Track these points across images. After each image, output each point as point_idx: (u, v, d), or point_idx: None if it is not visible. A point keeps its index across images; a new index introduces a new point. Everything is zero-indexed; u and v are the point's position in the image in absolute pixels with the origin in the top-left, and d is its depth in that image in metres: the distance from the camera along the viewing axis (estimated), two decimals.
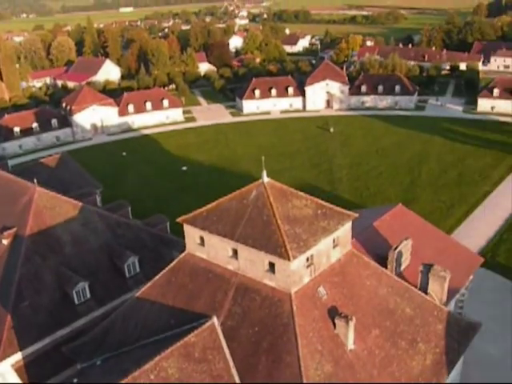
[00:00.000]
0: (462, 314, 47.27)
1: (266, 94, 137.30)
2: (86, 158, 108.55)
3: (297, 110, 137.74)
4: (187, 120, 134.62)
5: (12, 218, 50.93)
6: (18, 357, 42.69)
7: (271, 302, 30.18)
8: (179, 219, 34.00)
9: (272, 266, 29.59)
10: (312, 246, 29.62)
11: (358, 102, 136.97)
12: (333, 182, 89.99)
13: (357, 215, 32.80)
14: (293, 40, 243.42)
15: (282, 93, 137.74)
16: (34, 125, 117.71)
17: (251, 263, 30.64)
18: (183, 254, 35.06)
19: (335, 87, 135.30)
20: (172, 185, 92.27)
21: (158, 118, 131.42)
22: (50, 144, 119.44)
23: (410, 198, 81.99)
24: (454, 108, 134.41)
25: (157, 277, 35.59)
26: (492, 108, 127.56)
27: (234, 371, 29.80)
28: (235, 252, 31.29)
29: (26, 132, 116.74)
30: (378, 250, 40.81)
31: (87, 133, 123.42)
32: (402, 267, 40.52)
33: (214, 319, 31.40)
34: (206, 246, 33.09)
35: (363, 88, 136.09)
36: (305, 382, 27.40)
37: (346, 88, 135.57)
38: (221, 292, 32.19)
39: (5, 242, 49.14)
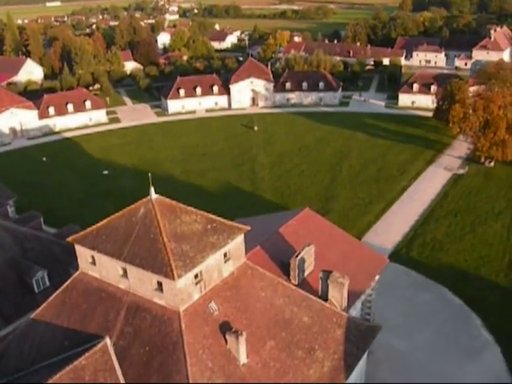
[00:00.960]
0: (371, 315, 48.50)
1: (191, 93, 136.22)
2: (3, 165, 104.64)
3: (222, 109, 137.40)
4: (111, 121, 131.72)
5: None
6: None
7: (161, 320, 29.80)
8: (69, 239, 33.06)
9: (160, 284, 29.20)
10: (199, 263, 29.41)
11: (283, 99, 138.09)
12: (255, 181, 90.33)
13: (248, 228, 32.77)
14: (221, 36, 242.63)
15: (207, 91, 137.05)
16: None
17: (140, 282, 30.15)
18: (77, 273, 34.11)
19: (260, 85, 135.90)
20: (93, 190, 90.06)
21: (80, 119, 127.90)
22: None
23: (330, 195, 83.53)
24: (376, 103, 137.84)
25: (51, 297, 34.49)
26: (412, 103, 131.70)
27: None
28: (125, 271, 30.68)
29: None
30: (283, 257, 41.04)
31: (5, 137, 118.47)
32: (306, 273, 40.95)
33: (107, 340, 30.67)
34: (97, 265, 32.30)
35: (288, 85, 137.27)
36: None
37: (271, 85, 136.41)
38: (113, 311, 31.53)
39: None
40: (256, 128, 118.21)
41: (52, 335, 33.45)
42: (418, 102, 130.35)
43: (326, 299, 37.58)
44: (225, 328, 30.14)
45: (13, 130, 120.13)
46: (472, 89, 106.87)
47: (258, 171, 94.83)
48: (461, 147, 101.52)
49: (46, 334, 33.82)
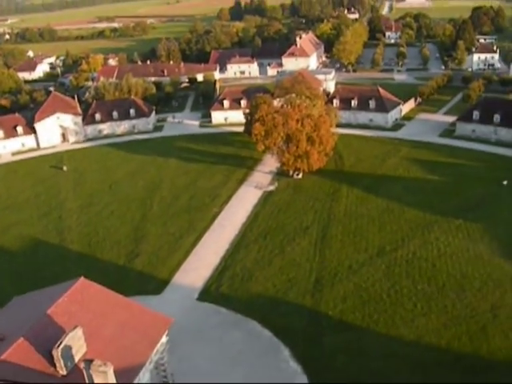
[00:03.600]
0: (168, 376, 46.45)
1: None
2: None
3: (31, 149, 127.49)
4: None
5: None
6: None
7: None
8: None
9: None
10: None
11: (94, 131, 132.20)
12: (62, 231, 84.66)
13: None
14: (31, 66, 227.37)
15: (11, 133, 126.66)
16: None
17: None
18: None
19: (68, 119, 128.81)
20: None
21: None
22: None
23: (139, 235, 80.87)
24: (191, 123, 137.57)
25: None
26: (225, 119, 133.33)
27: None
28: None
29: None
30: (52, 345, 37.18)
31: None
32: (78, 358, 37.68)
33: None
34: None
35: (98, 116, 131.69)
36: None
37: (79, 119, 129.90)
38: None
39: None
40: (65, 168, 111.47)
41: None
42: (231, 117, 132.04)
43: None
44: None
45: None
46: (276, 101, 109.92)
47: (65, 218, 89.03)
48: (271, 161, 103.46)
49: None
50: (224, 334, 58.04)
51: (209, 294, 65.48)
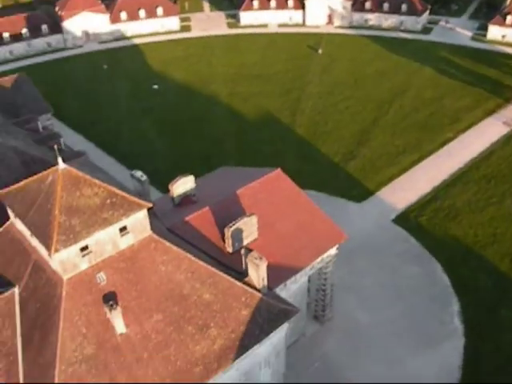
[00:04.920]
0: (326, 287, 48.27)
1: (265, 5, 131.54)
2: (66, 70, 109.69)
3: (296, 25, 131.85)
4: (182, 29, 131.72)
5: None
6: None
7: (50, 283, 32.31)
8: None
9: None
10: (84, 238, 30.89)
11: (360, 20, 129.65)
12: (295, 113, 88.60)
13: (150, 205, 33.40)
14: None
15: (282, 4, 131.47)
16: (24, 30, 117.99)
17: (39, 245, 32.48)
18: (8, 223, 37.21)
19: (337, 2, 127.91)
20: (138, 105, 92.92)
21: (152, 26, 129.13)
22: (41, 50, 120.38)
23: (364, 138, 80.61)
24: (463, 33, 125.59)
25: None
26: (503, 37, 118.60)
27: (18, 340, 32.79)
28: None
29: (16, 37, 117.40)
30: (229, 222, 41.18)
31: (78, 40, 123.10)
32: (247, 241, 41.27)
33: (15, 289, 34.03)
34: (16, 220, 34.96)
35: (367, 4, 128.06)
36: (58, 363, 30.04)
37: (349, 4, 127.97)
38: (24, 265, 34.48)
39: None
40: (320, 51, 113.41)
41: None
42: (510, 36, 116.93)
43: (246, 275, 38.28)
44: (109, 298, 32.13)
45: (85, 34, 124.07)
46: None
47: (302, 101, 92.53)
48: None
49: None
50: (402, 264, 57.05)
51: (406, 219, 63.84)
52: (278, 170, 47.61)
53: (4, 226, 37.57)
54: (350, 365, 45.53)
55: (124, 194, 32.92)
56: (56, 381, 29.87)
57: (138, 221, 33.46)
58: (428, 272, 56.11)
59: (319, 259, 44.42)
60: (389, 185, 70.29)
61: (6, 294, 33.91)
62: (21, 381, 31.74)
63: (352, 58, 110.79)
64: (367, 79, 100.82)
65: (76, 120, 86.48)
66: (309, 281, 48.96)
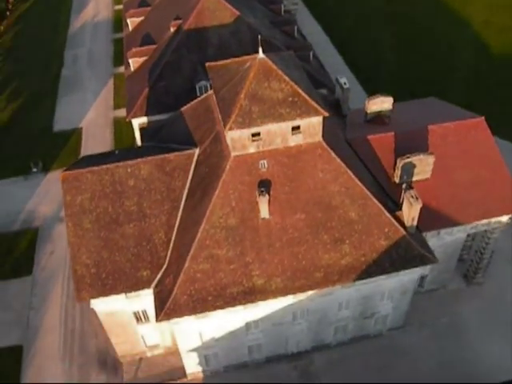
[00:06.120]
0: (486, 251, 45.44)
1: None
2: None
3: None
4: None
5: (183, 12, 60.94)
6: (143, 120, 56.26)
7: (221, 155, 36.61)
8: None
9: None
10: (257, 125, 33.93)
11: None
12: None
13: (326, 114, 34.63)
14: None
15: None
16: None
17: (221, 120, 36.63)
18: (208, 92, 42.12)
19: None
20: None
21: None
22: None
23: None
24: None
25: (194, 101, 43.79)
26: None
27: (185, 191, 38.53)
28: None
29: None
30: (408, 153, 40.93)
31: None
32: (417, 178, 40.99)
33: (196, 150, 39.43)
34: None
35: None
36: (204, 223, 34.97)
37: None
38: (208, 132, 39.41)
39: (172, 29, 60.26)
40: None
41: (183, 129, 43.31)
42: None
43: (400, 209, 38.54)
44: (263, 184, 35.54)
45: None
46: None
47: None
48: None
49: (181, 126, 43.89)
50: None
51: None
52: (481, 119, 44.74)
53: (205, 94, 42.64)
54: (476, 334, 43.94)
55: (306, 96, 34.71)
56: (198, 236, 34.96)
57: (312, 125, 35.34)
58: None
59: (485, 221, 42.07)
60: None
61: (189, 151, 39.43)
62: (177, 224, 37.72)
63: None
64: None
65: (319, 10, 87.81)
66: (472, 239, 47.10)
